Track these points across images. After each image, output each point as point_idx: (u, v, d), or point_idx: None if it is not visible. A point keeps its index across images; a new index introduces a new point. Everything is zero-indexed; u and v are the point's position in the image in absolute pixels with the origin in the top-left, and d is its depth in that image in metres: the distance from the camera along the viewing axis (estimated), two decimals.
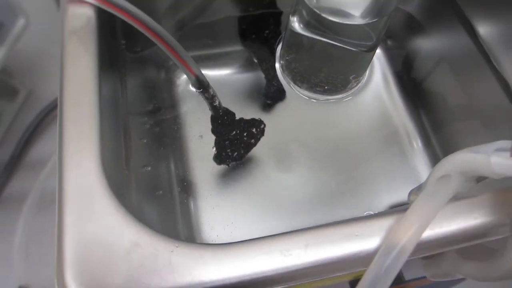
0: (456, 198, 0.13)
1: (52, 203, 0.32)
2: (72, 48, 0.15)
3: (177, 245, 0.11)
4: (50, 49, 0.44)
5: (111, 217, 0.12)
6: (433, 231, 0.12)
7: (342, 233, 0.12)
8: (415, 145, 0.23)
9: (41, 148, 0.39)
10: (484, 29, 0.21)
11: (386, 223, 0.12)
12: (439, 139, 0.23)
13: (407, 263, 0.11)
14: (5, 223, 0.34)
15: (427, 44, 0.25)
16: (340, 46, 0.16)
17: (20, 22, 0.35)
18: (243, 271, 0.11)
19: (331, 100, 0.20)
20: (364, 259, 0.11)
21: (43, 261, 0.32)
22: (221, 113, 0.20)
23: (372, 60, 0.24)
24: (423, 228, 0.11)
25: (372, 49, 0.17)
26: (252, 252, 0.11)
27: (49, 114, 0.40)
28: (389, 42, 0.27)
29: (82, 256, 0.11)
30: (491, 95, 0.19)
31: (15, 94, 0.40)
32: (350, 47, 0.16)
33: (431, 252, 0.12)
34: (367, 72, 0.19)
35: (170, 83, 0.23)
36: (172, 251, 0.11)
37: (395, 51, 0.26)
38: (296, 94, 0.23)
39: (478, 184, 0.13)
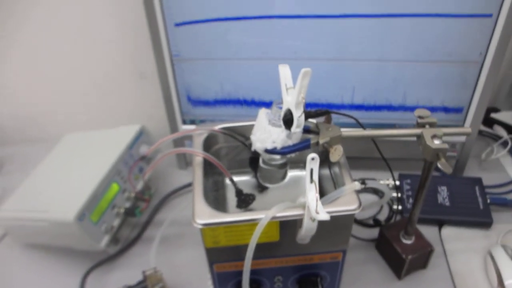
0: (292, 207, 0.48)
1: (168, 241, 0.76)
2: (196, 167, 0.54)
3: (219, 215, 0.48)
4: (165, 167, 0.85)
5: (203, 207, 0.49)
6: (279, 214, 0.47)
7: (262, 213, 0.48)
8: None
9: (162, 215, 0.77)
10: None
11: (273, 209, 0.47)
12: None
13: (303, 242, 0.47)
14: (145, 249, 0.71)
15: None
16: (273, 169, 0.54)
17: (159, 155, 0.75)
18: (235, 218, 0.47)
19: (274, 187, 0.57)
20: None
21: (165, 260, 0.67)
22: (239, 190, 0.57)
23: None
24: (274, 213, 0.47)
25: (285, 167, 0.55)
26: (239, 216, 0.48)
27: (165, 200, 0.79)
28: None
29: (199, 212, 0.48)
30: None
31: (150, 189, 0.80)
32: (276, 168, 0.54)
33: (279, 219, 0.47)
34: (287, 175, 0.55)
35: (222, 181, 0.62)
36: (217, 214, 0.48)
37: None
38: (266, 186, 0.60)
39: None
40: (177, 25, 0.67)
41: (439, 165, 0.50)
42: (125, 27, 0.84)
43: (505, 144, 0.87)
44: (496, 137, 0.90)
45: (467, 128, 0.54)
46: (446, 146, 0.50)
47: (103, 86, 0.93)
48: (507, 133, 0.88)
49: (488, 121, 0.90)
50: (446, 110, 0.74)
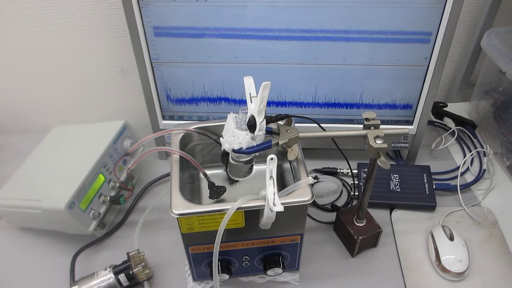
0: (255, 199, 0.57)
1: (149, 226, 0.87)
2: (173, 164, 0.62)
3: (192, 206, 0.56)
4: (147, 157, 0.92)
5: (179, 199, 0.57)
6: (244, 205, 0.56)
7: (229, 204, 0.56)
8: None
9: (144, 202, 0.85)
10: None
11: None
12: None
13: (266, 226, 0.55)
14: (128, 232, 0.80)
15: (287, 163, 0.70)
16: (241, 165, 0.62)
17: (140, 149, 0.82)
18: (206, 209, 0.56)
19: (242, 180, 0.65)
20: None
21: (147, 242, 0.76)
22: (211, 183, 0.66)
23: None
24: (239, 204, 0.55)
25: (251, 163, 0.63)
26: (209, 207, 0.56)
27: (147, 188, 0.87)
28: None
29: (175, 204, 0.56)
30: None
31: (133, 178, 0.88)
32: (243, 164, 0.62)
33: (243, 209, 0.56)
34: (253, 169, 0.64)
35: (197, 174, 0.70)
36: (191, 205, 0.56)
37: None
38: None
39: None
40: (156, 28, 0.74)
41: (378, 162, 0.59)
42: (110, 26, 0.90)
43: (453, 134, 0.97)
44: (447, 128, 0.99)
45: (404, 129, 0.63)
46: (385, 145, 0.59)
47: (89, 83, 0.99)
48: (455, 125, 0.98)
49: (440, 114, 1.00)
50: (397, 107, 0.83)
